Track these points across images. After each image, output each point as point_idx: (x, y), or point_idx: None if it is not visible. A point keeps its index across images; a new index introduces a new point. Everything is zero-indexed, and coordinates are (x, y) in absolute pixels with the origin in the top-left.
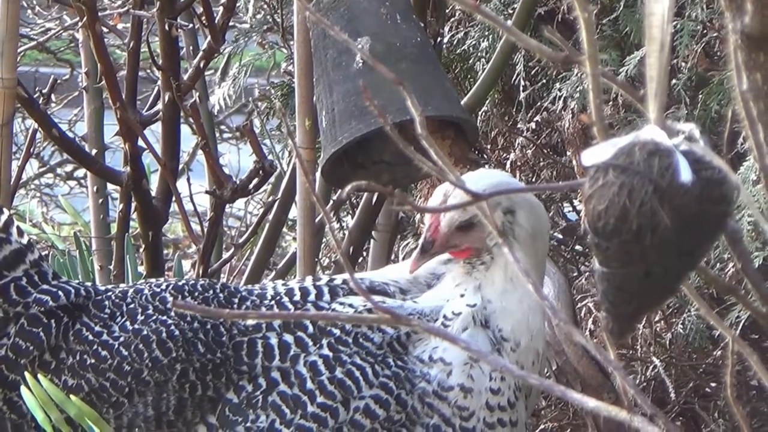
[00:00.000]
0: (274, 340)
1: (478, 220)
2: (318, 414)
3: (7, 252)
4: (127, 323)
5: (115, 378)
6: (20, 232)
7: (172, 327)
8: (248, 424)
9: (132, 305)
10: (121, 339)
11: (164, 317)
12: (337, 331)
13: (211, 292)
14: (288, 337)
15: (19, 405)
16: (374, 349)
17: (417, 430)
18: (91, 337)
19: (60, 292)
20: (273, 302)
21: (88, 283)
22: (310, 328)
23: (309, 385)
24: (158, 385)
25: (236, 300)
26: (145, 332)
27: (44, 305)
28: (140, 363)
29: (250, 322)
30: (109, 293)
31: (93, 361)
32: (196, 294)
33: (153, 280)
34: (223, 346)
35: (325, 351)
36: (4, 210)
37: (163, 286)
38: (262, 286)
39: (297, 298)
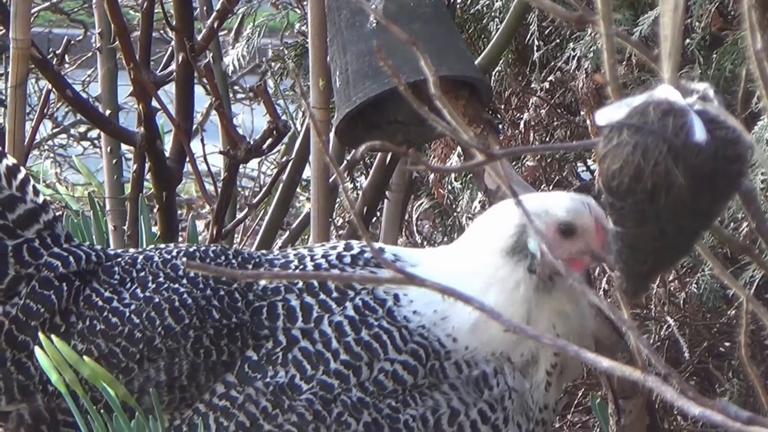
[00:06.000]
0: (295, 302)
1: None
2: (341, 371)
3: (21, 211)
4: (138, 290)
5: (126, 345)
6: (36, 192)
7: (185, 295)
8: (267, 380)
9: (142, 273)
10: (132, 306)
11: (176, 285)
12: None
13: (223, 258)
14: (310, 299)
15: (27, 366)
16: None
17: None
18: (101, 303)
19: (71, 257)
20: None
21: (99, 247)
22: (334, 292)
23: (334, 344)
24: (170, 351)
25: (250, 266)
26: (156, 300)
27: (54, 270)
28: (152, 331)
29: (263, 283)
30: (119, 259)
31: (103, 327)
32: (208, 260)
33: (163, 246)
34: (238, 312)
35: (351, 313)
36: (22, 169)
37: (174, 253)
38: (283, 252)
39: (317, 262)
